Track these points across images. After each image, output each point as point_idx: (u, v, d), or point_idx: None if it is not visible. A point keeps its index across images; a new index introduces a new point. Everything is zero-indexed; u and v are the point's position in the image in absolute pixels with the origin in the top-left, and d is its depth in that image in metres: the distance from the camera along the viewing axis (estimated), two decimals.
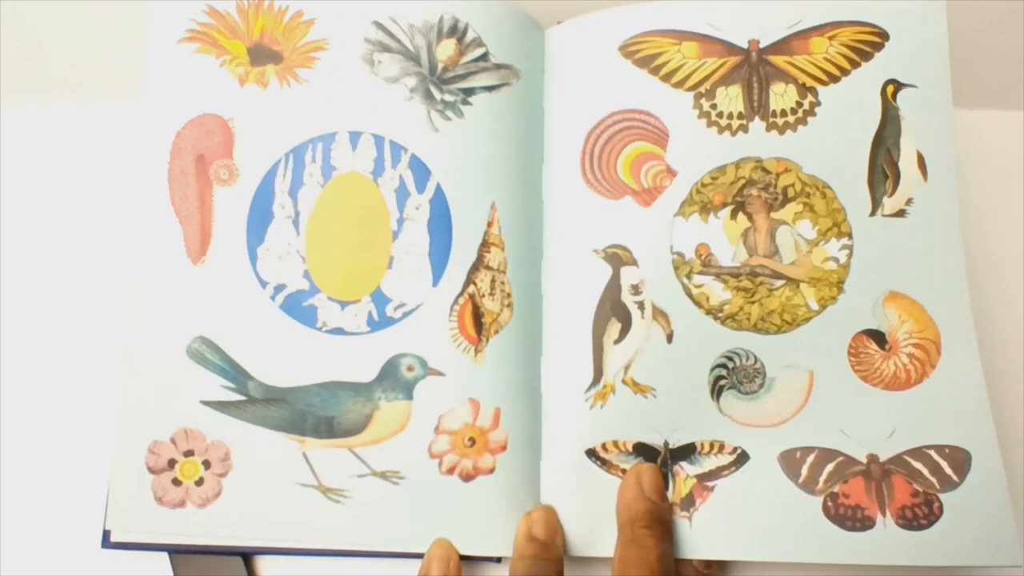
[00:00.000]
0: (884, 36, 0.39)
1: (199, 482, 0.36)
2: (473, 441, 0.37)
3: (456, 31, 0.39)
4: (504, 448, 0.37)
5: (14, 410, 0.41)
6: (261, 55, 0.39)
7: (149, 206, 0.38)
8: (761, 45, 0.40)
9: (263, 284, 0.38)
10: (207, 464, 0.36)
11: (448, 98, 0.39)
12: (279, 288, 0.38)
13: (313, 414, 0.37)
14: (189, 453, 0.36)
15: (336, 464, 0.36)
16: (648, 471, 0.36)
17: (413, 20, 0.39)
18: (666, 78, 0.39)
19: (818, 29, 0.39)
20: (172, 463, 0.36)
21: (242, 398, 0.37)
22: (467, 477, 0.37)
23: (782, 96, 0.39)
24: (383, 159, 0.38)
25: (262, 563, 0.39)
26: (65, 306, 0.42)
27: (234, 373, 0.37)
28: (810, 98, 0.39)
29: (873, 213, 0.38)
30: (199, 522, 0.36)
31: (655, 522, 0.35)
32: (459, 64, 0.39)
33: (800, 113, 0.39)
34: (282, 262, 0.38)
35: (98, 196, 0.44)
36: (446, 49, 0.39)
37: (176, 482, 0.36)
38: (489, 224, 0.38)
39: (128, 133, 0.44)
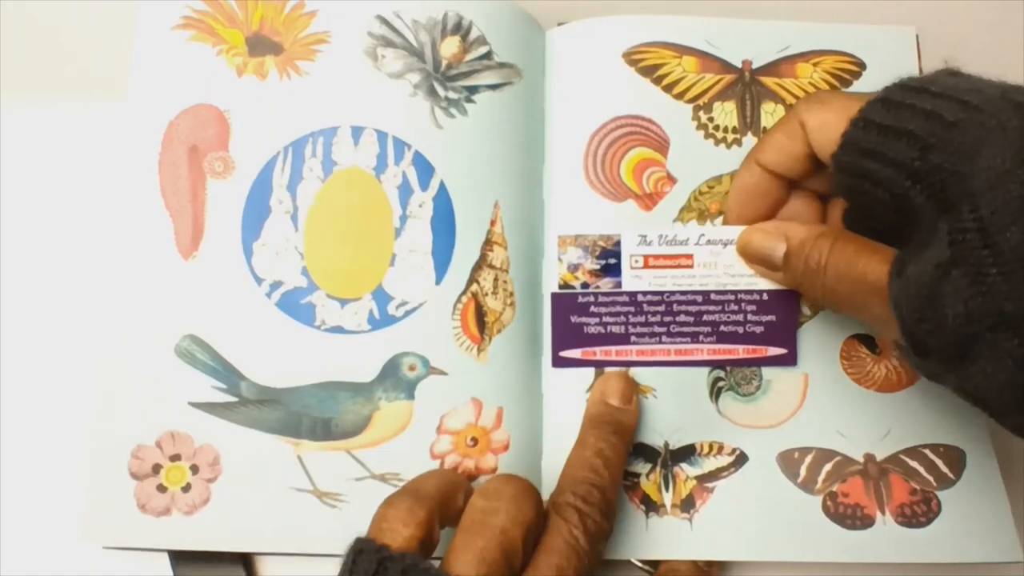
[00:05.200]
0: (861, 66, 0.41)
1: (186, 488, 0.34)
2: (476, 441, 0.36)
3: (460, 28, 0.39)
4: (507, 448, 0.36)
5: (13, 410, 0.38)
6: (260, 45, 0.38)
7: (138, 198, 0.36)
8: (754, 66, 0.41)
9: (258, 281, 0.36)
10: (195, 469, 0.35)
11: (452, 95, 0.38)
12: (275, 285, 0.36)
13: (309, 415, 0.35)
14: (175, 457, 0.35)
15: (333, 467, 0.35)
16: (613, 376, 0.36)
17: (417, 16, 0.39)
18: (667, 88, 0.40)
19: (804, 56, 0.41)
20: (157, 468, 0.34)
21: (234, 399, 0.35)
22: (469, 478, 0.36)
23: (772, 115, 0.40)
24: (386, 155, 0.37)
25: (262, 563, 0.37)
26: (58, 304, 0.39)
27: (225, 373, 0.35)
28: None
29: None
30: (186, 531, 0.34)
31: (602, 424, 0.35)
32: (463, 62, 0.39)
33: None
34: (279, 258, 0.36)
35: (88, 191, 0.41)
36: (450, 46, 0.39)
37: (161, 488, 0.34)
38: (492, 222, 0.38)
39: (122, 128, 0.42)
